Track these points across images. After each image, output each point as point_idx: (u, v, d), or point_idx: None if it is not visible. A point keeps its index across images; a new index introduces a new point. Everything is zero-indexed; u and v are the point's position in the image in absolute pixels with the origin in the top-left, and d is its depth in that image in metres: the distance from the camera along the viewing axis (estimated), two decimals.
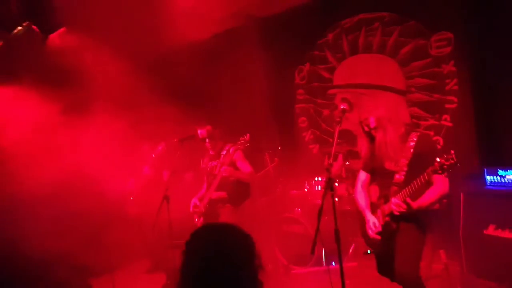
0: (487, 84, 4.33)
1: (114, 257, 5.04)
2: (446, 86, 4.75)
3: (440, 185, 2.86)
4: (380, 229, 3.04)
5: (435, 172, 2.65)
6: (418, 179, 2.79)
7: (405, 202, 2.82)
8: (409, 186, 2.84)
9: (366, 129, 3.10)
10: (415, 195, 2.85)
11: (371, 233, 3.05)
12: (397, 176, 2.98)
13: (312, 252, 2.69)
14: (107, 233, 4.79)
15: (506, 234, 3.25)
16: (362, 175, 3.35)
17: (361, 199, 3.27)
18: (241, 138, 4.15)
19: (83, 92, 5.28)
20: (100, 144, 5.25)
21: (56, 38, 4.90)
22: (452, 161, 2.56)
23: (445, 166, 2.58)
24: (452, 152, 2.60)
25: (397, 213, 2.87)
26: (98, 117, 5.08)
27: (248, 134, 4.14)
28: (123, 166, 5.32)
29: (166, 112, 5.44)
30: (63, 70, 4.90)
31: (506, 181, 3.41)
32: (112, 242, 4.85)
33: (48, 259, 4.67)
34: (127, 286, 4.95)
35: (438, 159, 2.62)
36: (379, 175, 3.17)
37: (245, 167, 4.41)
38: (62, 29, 4.94)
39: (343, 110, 3.04)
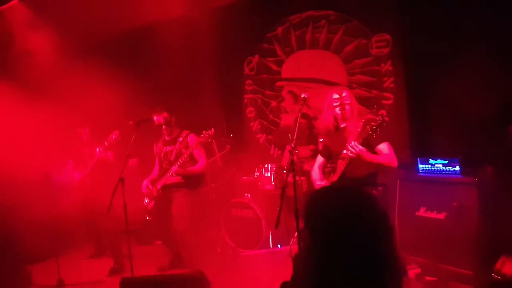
0: (420, 83, 4.76)
1: (56, 243, 4.90)
2: (384, 84, 5.18)
3: (389, 155, 3.30)
4: None
5: (367, 133, 3.02)
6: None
7: (355, 145, 3.12)
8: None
9: (346, 103, 3.42)
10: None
11: None
12: (345, 151, 3.29)
13: (276, 227, 2.90)
14: (50, 218, 4.62)
15: (434, 215, 3.71)
16: (319, 159, 3.75)
17: (316, 175, 3.69)
18: (204, 132, 4.19)
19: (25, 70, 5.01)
20: (32, 127, 5.03)
21: (7, 11, 4.55)
22: (380, 121, 2.94)
23: (374, 126, 2.97)
24: (380, 113, 3.03)
25: (351, 155, 3.16)
26: (32, 98, 4.86)
27: (213, 129, 4.17)
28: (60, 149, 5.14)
29: (113, 97, 5.33)
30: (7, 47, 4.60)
31: (436, 169, 3.89)
32: (55, 227, 4.72)
33: None
34: (73, 271, 4.81)
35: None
36: (335, 158, 3.52)
37: (201, 157, 4.51)
38: (14, 1, 4.57)
39: (304, 99, 3.27)
